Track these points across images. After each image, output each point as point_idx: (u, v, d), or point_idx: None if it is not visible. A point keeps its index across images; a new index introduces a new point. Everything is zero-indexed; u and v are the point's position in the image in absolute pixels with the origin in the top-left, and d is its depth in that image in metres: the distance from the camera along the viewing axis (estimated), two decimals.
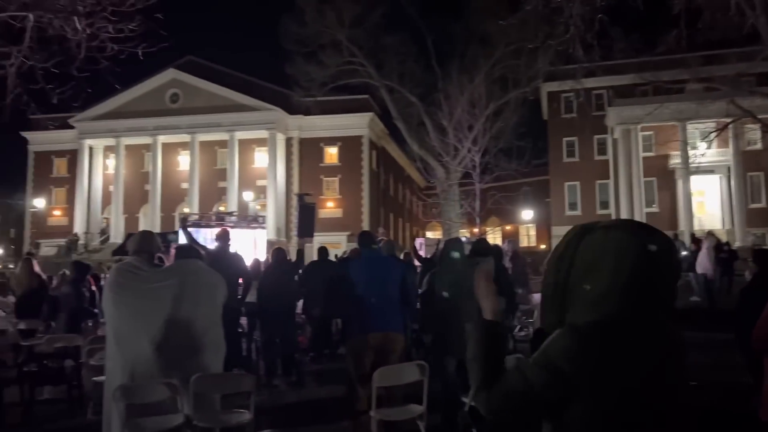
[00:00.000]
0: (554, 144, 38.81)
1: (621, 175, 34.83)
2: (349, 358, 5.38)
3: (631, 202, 34.11)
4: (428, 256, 10.61)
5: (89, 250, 32.87)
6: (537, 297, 10.98)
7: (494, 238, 35.91)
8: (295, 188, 40.02)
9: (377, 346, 5.12)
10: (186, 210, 38.75)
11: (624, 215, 33.67)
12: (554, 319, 1.53)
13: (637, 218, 31.93)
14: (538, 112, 39.55)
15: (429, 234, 48.83)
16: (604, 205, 37.17)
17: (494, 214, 41.25)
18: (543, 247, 42.07)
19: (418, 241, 25.71)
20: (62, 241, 37.75)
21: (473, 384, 1.56)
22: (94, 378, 6.15)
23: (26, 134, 44.71)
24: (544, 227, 35.26)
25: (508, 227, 43.17)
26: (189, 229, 11.22)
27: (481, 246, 7.98)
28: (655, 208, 34.40)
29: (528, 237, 44.88)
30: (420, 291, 5.71)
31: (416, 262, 10.07)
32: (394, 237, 45.09)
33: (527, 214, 36.41)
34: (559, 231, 35.86)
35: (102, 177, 44.00)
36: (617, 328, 1.43)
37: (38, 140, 45.10)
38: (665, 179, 34.78)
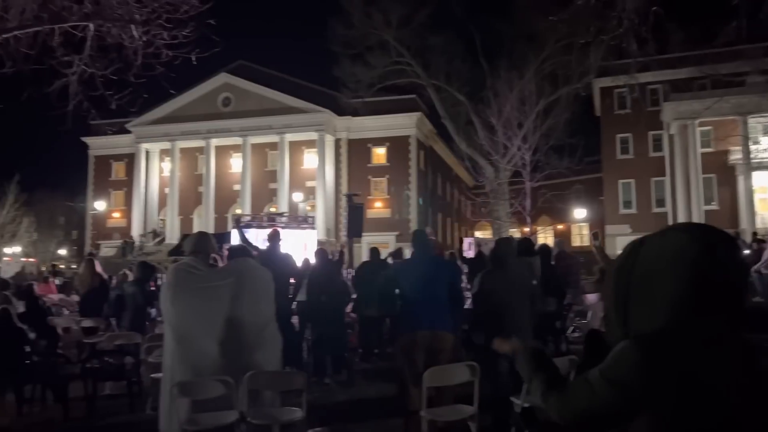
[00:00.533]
0: (607, 141, 37.87)
1: (678, 172, 33.69)
2: (400, 356, 5.39)
3: (688, 199, 32.97)
4: (473, 257, 10.51)
5: (144, 252, 33.96)
6: (590, 297, 10.76)
7: (545, 237, 35.30)
8: (344, 189, 40.31)
9: (426, 344, 5.12)
10: (238, 211, 39.56)
11: (681, 213, 32.60)
12: (619, 332, 1.49)
13: (695, 216, 30.88)
14: (591, 108, 38.65)
15: (478, 233, 48.41)
16: (660, 203, 36.06)
17: (545, 213, 40.57)
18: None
19: (467, 241, 25.54)
20: (122, 241, 39.14)
21: (539, 398, 1.60)
22: (152, 375, 6.36)
23: (87, 139, 46.57)
24: (597, 226, 34.44)
25: (559, 226, 42.37)
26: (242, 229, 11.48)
27: (525, 245, 7.87)
28: (714, 206, 33.16)
29: (581, 236, 43.92)
30: (472, 291, 5.66)
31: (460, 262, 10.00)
32: (443, 237, 44.92)
33: (579, 212, 35.58)
34: (613, 230, 34.98)
35: (158, 180, 45.39)
36: (681, 337, 1.38)
37: (98, 145, 46.93)
38: (725, 176, 33.50)
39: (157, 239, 41.31)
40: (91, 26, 7.45)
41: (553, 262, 9.13)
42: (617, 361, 1.41)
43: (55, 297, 14.79)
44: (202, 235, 5.23)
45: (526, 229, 29.42)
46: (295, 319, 8.59)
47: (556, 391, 1.53)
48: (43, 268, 33.80)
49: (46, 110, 7.72)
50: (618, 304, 1.49)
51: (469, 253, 13.00)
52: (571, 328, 10.69)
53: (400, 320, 5.39)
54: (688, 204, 32.83)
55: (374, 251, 10.54)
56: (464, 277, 8.96)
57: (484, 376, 4.66)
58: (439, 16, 39.43)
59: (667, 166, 35.16)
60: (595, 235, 7.90)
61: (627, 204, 37.38)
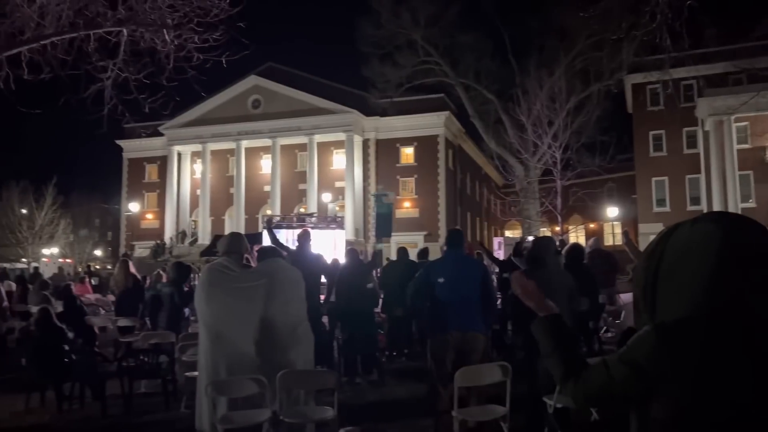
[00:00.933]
0: (640, 138, 37.19)
1: (713, 169, 32.90)
2: (430, 357, 5.38)
3: (724, 197, 32.17)
4: (504, 258, 10.41)
5: (174, 255, 34.58)
6: (624, 297, 10.58)
7: (577, 236, 34.85)
8: (372, 189, 40.40)
9: (457, 345, 5.09)
10: (268, 212, 39.94)
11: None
12: (647, 319, 1.48)
13: None
14: (623, 105, 38.04)
15: (508, 233, 48.01)
16: (695, 201, 35.27)
17: (576, 212, 40.03)
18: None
19: (497, 241, 25.37)
20: (154, 243, 39.89)
21: (557, 379, 1.58)
22: (187, 373, 6.45)
23: (121, 142, 47.54)
24: (630, 225, 33.82)
25: (591, 225, 41.77)
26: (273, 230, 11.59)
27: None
28: (751, 203, 32.30)
29: (613, 235, 43.23)
30: (510, 292, 5.62)
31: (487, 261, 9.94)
32: (472, 236, 44.66)
33: (612, 211, 34.99)
34: (647, 229, 34.33)
35: (190, 181, 46.09)
36: (703, 324, 1.36)
37: (132, 148, 47.88)
38: (763, 172, 32.59)
39: (190, 240, 41.97)
40: (125, 31, 7.59)
41: (585, 261, 9.00)
42: (636, 345, 1.42)
43: (92, 297, 15.13)
44: (235, 235, 5.29)
45: (557, 228, 29.07)
46: (325, 319, 8.64)
47: (574, 377, 1.53)
48: (79, 269, 34.62)
49: (82, 114, 7.88)
50: (646, 292, 1.49)
51: (499, 252, 12.89)
52: (604, 328, 10.52)
53: (432, 320, 5.36)
54: (724, 201, 32.04)
55: (402, 251, 10.53)
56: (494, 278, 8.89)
57: (519, 376, 4.62)
58: (468, 15, 39.28)
59: (702, 163, 34.38)
60: (625, 234, 7.79)
61: (660, 202, 36.66)
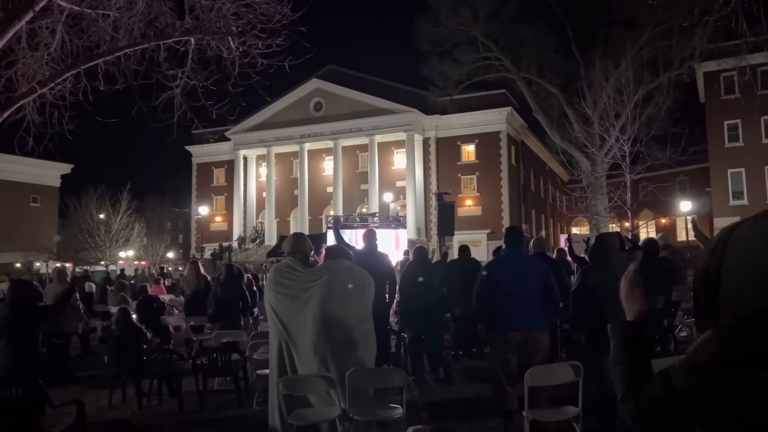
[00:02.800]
0: (714, 128, 35.49)
1: None
2: (494, 357, 5.31)
3: None
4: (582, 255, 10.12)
5: (236, 257, 35.58)
6: None
7: (647, 231, 33.63)
8: (434, 187, 40.29)
9: (519, 345, 5.01)
10: (332, 213, 40.48)
11: None
12: (711, 322, 1.39)
13: None
14: (694, 94, 36.40)
15: (575, 230, 46.86)
16: None
17: (647, 207, 38.63)
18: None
19: (563, 237, 24.79)
20: (217, 246, 41.24)
21: (618, 391, 1.47)
22: (258, 371, 6.61)
23: (190, 148, 49.26)
24: (704, 219, 32.39)
25: (663, 220, 40.22)
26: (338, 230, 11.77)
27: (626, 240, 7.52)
28: None
29: (686, 230, 41.51)
30: (572, 288, 5.47)
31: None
32: (537, 233, 43.81)
33: (685, 205, 33.53)
34: (723, 223, 32.68)
35: (255, 184, 47.28)
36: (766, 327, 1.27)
37: (200, 153, 49.56)
38: None
39: (256, 242, 43.05)
40: (192, 40, 7.85)
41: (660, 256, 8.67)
42: (699, 350, 1.33)
43: (166, 297, 15.71)
44: (297, 235, 5.40)
45: (627, 224, 28.13)
46: (393, 318, 8.67)
47: (636, 395, 1.41)
48: (153, 271, 36.05)
49: (153, 122, 8.20)
50: (707, 292, 1.40)
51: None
52: (678, 327, 10.11)
53: (494, 320, 5.29)
54: None
55: (464, 249, 10.42)
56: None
57: (588, 376, 4.50)
58: (528, 8, 38.71)
59: None
60: (693, 222, 7.48)
61: (737, 195, 34.87)
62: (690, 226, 6.97)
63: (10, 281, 10.25)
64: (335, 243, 7.98)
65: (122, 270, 28.81)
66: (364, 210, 40.02)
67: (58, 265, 22.23)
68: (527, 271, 5.29)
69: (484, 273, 5.43)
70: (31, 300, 5.90)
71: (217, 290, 8.31)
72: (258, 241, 43.17)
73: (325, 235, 19.87)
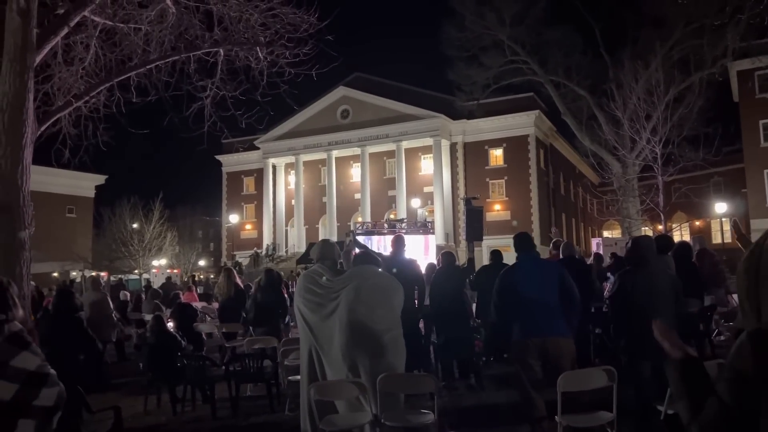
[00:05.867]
0: (749, 128, 34.63)
1: None
2: (516, 362, 5.26)
3: None
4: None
5: (274, 261, 35.78)
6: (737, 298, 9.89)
7: (681, 234, 32.95)
8: (461, 192, 40.12)
9: (541, 351, 4.95)
10: (360, 219, 40.58)
11: None
12: (754, 323, 1.38)
13: None
14: (727, 94, 35.60)
15: (606, 233, 46.17)
16: None
17: (680, 209, 37.89)
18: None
19: (595, 242, 24.45)
20: (253, 251, 41.61)
21: (684, 424, 1.48)
22: (290, 377, 6.66)
23: (220, 157, 49.96)
24: (741, 221, 31.63)
25: (697, 222, 39.39)
26: (357, 238, 11.92)
27: (661, 243, 7.36)
28: None
29: (722, 233, 40.58)
30: (610, 292, 5.40)
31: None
32: (568, 237, 43.27)
33: (720, 207, 32.77)
34: (760, 224, 31.89)
35: (284, 192, 47.72)
36: None
37: (230, 162, 50.25)
38: None
39: (286, 248, 43.26)
40: (221, 51, 7.98)
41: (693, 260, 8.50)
42: (735, 354, 1.33)
43: (198, 305, 15.92)
44: (325, 242, 5.45)
45: (660, 227, 27.62)
46: (422, 324, 8.64)
47: (697, 422, 1.42)
48: (185, 279, 36.57)
49: (184, 132, 8.35)
50: (750, 294, 1.39)
51: (600, 252, 12.39)
52: (715, 331, 9.87)
53: (513, 325, 5.23)
54: None
55: (496, 254, 10.33)
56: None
57: (624, 381, 4.42)
58: (554, 10, 38.28)
59: None
60: (735, 224, 7.31)
61: None
62: (732, 228, 6.83)
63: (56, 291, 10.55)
64: (361, 250, 8.01)
65: (148, 281, 29.21)
66: (391, 216, 40.02)
67: (93, 273, 22.71)
68: (541, 276, 5.24)
69: (497, 282, 5.41)
70: (73, 310, 6.06)
71: (257, 295, 8.40)
72: (273, 255, 43.02)
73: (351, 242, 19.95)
